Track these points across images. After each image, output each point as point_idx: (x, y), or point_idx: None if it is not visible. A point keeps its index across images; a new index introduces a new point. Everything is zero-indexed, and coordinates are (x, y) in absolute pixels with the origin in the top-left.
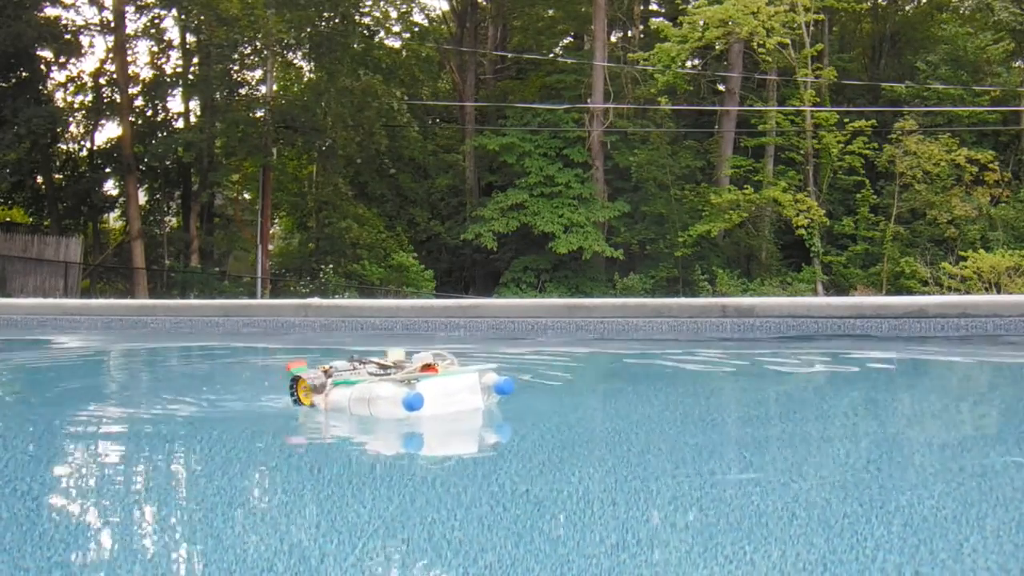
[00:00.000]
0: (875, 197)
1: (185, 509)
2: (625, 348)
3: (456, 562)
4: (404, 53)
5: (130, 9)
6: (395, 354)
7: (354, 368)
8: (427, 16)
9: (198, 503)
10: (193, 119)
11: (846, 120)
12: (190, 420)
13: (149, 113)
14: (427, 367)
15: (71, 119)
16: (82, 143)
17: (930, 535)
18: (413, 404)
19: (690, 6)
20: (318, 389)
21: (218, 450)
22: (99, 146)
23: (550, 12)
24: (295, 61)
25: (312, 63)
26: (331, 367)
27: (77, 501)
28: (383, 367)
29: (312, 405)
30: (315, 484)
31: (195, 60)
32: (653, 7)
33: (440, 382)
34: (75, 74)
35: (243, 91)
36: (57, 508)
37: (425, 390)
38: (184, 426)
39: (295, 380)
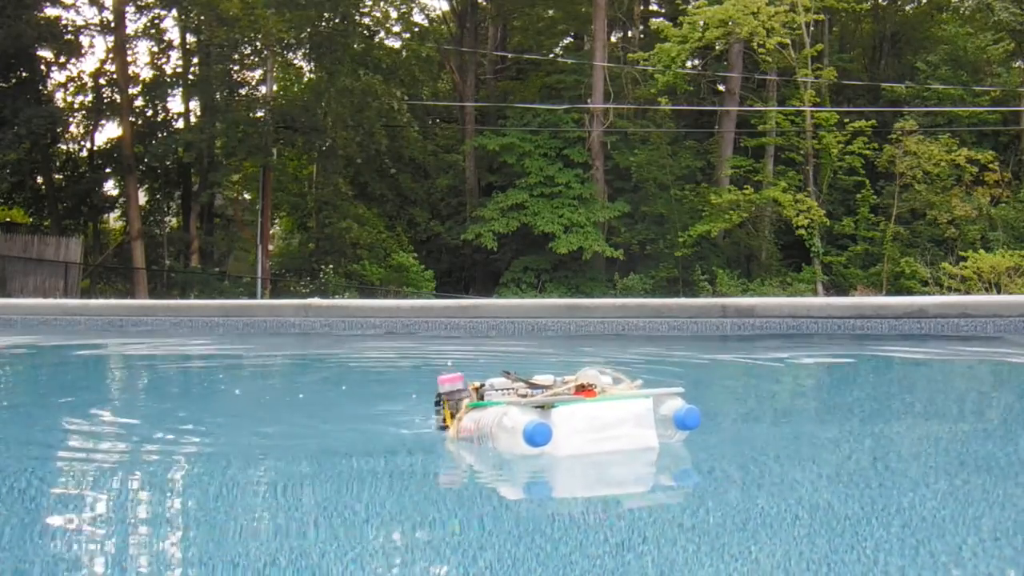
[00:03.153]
0: (875, 197)
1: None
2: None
3: None
4: (404, 53)
5: (130, 9)
6: (589, 371)
7: (510, 386)
8: (427, 16)
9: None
10: (193, 119)
11: (846, 120)
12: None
13: (149, 113)
14: (582, 389)
15: (71, 119)
16: (82, 143)
17: None
18: (534, 438)
19: (690, 6)
20: (455, 413)
21: (289, 494)
22: (99, 146)
23: (550, 12)
24: (295, 61)
25: (312, 63)
26: (485, 384)
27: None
28: (533, 386)
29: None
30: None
31: (195, 60)
32: (653, 7)
33: (587, 409)
34: (75, 74)
35: (243, 91)
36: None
37: (560, 420)
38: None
39: (440, 399)
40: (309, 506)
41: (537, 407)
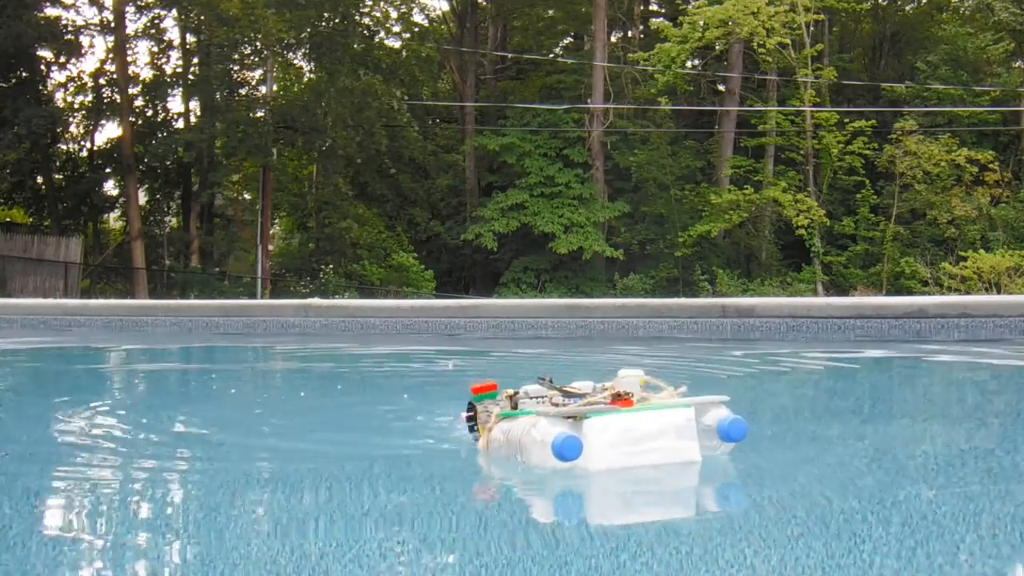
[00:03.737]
0: (875, 197)
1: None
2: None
3: None
4: (404, 53)
5: (130, 9)
6: (629, 378)
7: (545, 394)
8: (427, 16)
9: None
10: (193, 119)
11: (846, 120)
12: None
13: (149, 113)
14: (619, 398)
15: (71, 119)
16: (82, 143)
17: None
18: (563, 451)
19: (690, 6)
20: (485, 422)
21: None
22: (99, 146)
23: (550, 12)
24: (295, 61)
25: (312, 63)
26: (520, 392)
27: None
28: (569, 394)
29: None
30: None
31: (195, 60)
32: (653, 7)
33: (622, 420)
34: (75, 74)
35: (243, 91)
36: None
37: (593, 432)
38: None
39: (472, 408)
40: (310, 507)
41: (569, 417)
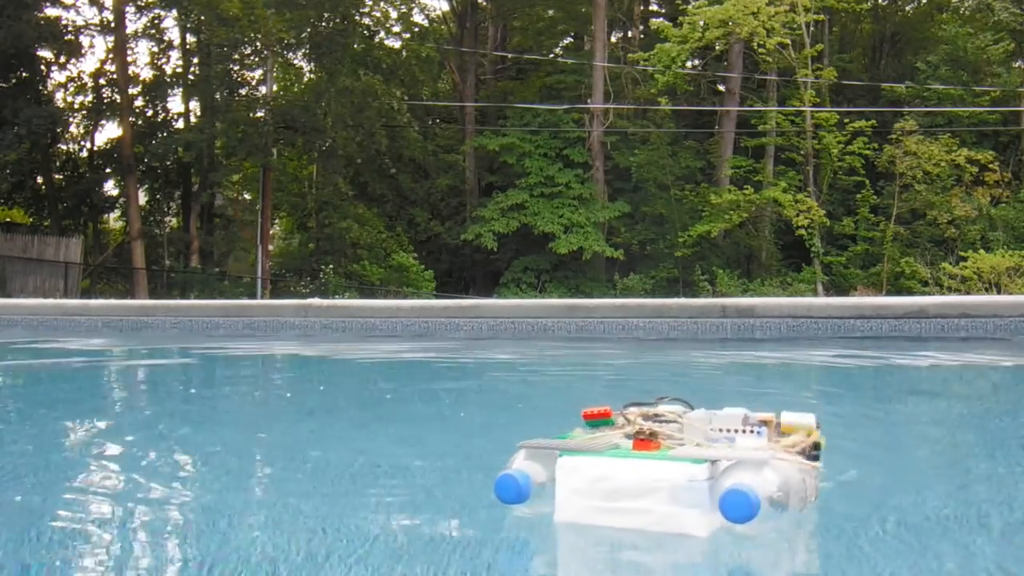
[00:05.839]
0: (875, 197)
1: None
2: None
3: None
4: (404, 53)
5: (130, 9)
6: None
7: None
8: (427, 16)
9: None
10: (193, 119)
11: (846, 120)
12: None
13: (149, 113)
14: (641, 439)
15: (71, 119)
16: (82, 143)
17: None
18: (498, 491)
19: (690, 6)
20: None
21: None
22: (99, 146)
23: (550, 12)
24: (295, 61)
25: (312, 63)
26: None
27: None
28: (655, 419)
29: None
30: None
31: (195, 60)
32: (653, 7)
33: (596, 465)
34: (75, 74)
35: (243, 91)
36: None
37: (560, 472)
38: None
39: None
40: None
41: (545, 450)
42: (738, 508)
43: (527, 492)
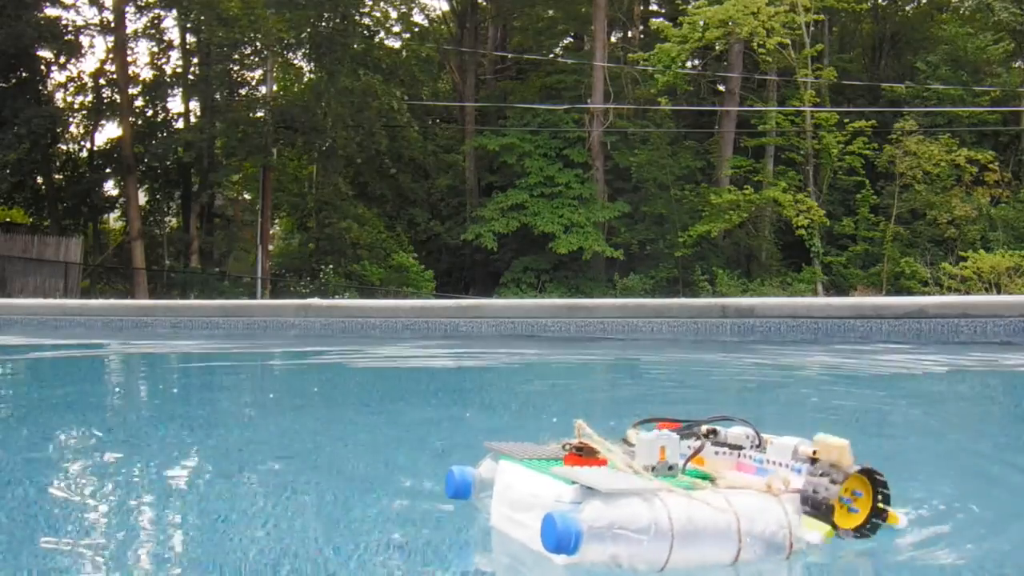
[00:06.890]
0: (875, 197)
1: None
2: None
3: None
4: (404, 53)
5: (130, 9)
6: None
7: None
8: (427, 16)
9: None
10: (193, 119)
11: (846, 120)
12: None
13: (149, 113)
14: (573, 454)
15: (71, 119)
16: (82, 143)
17: None
18: (446, 485)
19: (690, 6)
20: None
21: None
22: (99, 146)
23: (550, 12)
24: (295, 61)
25: (312, 63)
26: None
27: None
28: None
29: None
30: None
31: (195, 60)
32: (653, 7)
33: (509, 472)
34: (75, 74)
35: (243, 91)
36: None
37: (497, 478)
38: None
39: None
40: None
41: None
42: (545, 536)
43: (465, 488)
